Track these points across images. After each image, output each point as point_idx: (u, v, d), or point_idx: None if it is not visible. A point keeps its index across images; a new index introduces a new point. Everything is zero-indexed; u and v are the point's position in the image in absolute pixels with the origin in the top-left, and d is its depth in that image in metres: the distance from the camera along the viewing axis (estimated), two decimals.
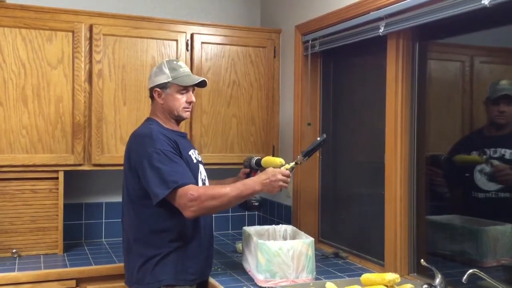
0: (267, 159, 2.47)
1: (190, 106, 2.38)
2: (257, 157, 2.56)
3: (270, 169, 2.21)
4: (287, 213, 3.27)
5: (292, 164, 2.25)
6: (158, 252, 2.21)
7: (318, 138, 2.33)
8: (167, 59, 2.45)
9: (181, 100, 2.32)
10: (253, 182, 2.17)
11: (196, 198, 2.08)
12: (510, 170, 2.11)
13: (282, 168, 2.23)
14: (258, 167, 2.51)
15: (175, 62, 2.35)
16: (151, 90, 2.35)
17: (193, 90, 2.38)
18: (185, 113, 2.36)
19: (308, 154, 2.28)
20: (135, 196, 2.24)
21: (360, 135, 2.86)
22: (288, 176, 2.18)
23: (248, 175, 2.55)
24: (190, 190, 2.10)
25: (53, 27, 2.80)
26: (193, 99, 2.37)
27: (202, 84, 2.37)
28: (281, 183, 2.16)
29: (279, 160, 2.32)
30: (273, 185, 2.15)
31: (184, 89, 2.32)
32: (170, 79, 2.29)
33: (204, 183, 2.37)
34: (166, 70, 2.30)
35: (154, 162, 2.13)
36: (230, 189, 2.14)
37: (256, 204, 2.46)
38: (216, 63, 3.18)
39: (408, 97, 2.42)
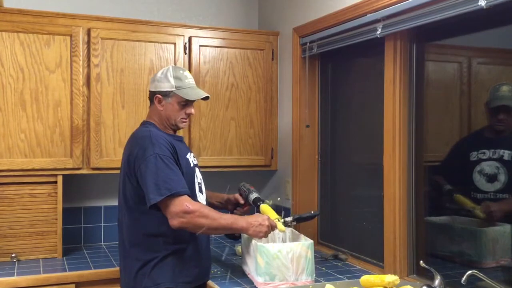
0: (266, 209, 2.43)
1: (189, 118, 2.39)
2: (256, 195, 2.52)
3: (261, 215, 2.30)
4: (286, 215, 3.26)
5: (281, 220, 2.34)
6: (155, 255, 2.21)
7: (312, 212, 2.56)
8: (173, 65, 2.44)
9: (181, 111, 2.33)
10: (244, 220, 2.23)
11: (191, 211, 2.10)
12: (498, 208, 2.15)
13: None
14: (255, 205, 2.49)
15: (181, 72, 2.34)
16: (152, 94, 2.35)
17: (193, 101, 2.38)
18: (182, 124, 2.36)
19: (298, 220, 2.45)
20: (131, 201, 2.24)
21: (359, 137, 2.86)
22: (273, 228, 2.26)
23: (238, 205, 2.58)
24: (186, 201, 2.11)
25: (51, 31, 2.80)
26: (193, 111, 2.37)
27: (205, 98, 2.38)
28: (266, 229, 2.22)
29: (275, 216, 2.36)
30: (260, 229, 2.21)
31: (186, 101, 2.32)
32: (173, 89, 2.29)
33: (200, 187, 2.38)
34: (171, 79, 2.29)
35: (150, 166, 2.13)
36: (220, 216, 2.19)
37: (237, 234, 2.57)
38: (214, 66, 3.18)
39: (406, 98, 2.43)
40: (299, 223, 2.45)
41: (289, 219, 2.40)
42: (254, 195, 2.52)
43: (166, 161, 2.15)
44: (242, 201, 2.57)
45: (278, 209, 3.35)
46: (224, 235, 2.64)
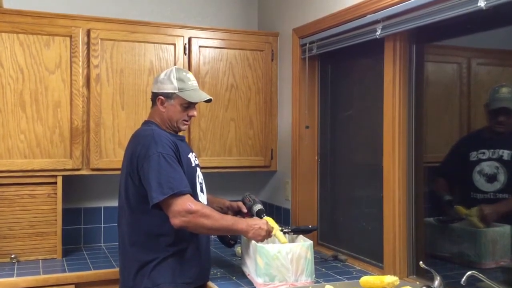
0: (269, 221, 2.41)
1: (190, 120, 2.39)
2: (261, 206, 2.53)
3: (260, 219, 2.34)
4: (286, 216, 3.27)
5: (279, 229, 2.35)
6: (156, 256, 2.21)
7: (310, 226, 2.66)
8: (176, 67, 2.44)
9: (183, 113, 2.33)
10: (244, 223, 2.25)
11: (194, 211, 2.11)
12: (493, 210, 2.16)
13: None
14: (258, 217, 2.48)
15: (184, 73, 2.34)
16: (155, 95, 2.35)
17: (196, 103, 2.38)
18: (183, 126, 2.37)
19: (295, 231, 2.48)
20: (133, 200, 2.24)
21: (359, 138, 2.86)
22: (270, 234, 2.28)
23: (239, 213, 2.58)
24: (189, 201, 2.12)
25: (50, 32, 2.80)
26: (195, 113, 2.38)
27: (207, 101, 2.39)
28: (265, 233, 2.25)
29: (277, 227, 2.37)
30: (259, 232, 2.24)
31: (189, 103, 2.33)
32: (176, 91, 2.30)
33: (201, 187, 2.39)
34: (174, 81, 2.29)
35: (153, 165, 2.13)
36: (221, 217, 2.22)
37: (232, 242, 2.61)
38: (214, 67, 3.18)
39: (405, 99, 2.43)
40: (296, 234, 2.47)
41: (287, 230, 2.43)
42: (258, 207, 2.52)
43: (169, 160, 2.16)
44: (245, 210, 2.57)
45: (278, 209, 3.36)
46: (219, 241, 2.64)
